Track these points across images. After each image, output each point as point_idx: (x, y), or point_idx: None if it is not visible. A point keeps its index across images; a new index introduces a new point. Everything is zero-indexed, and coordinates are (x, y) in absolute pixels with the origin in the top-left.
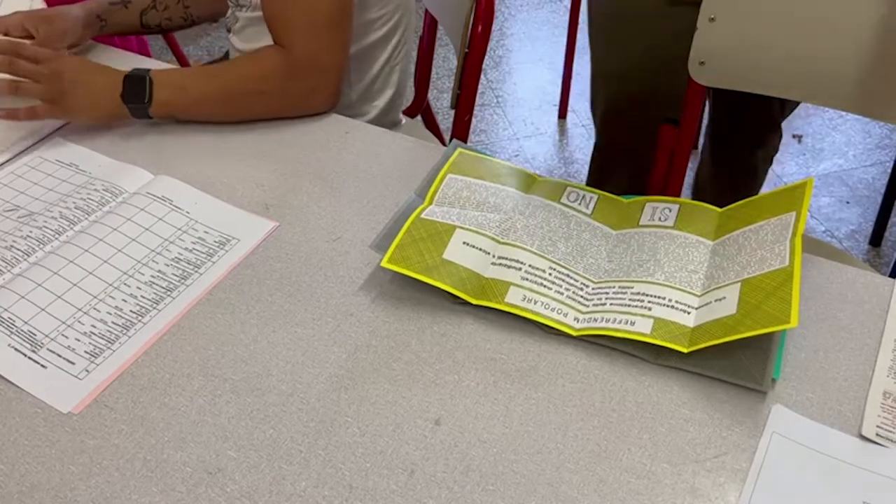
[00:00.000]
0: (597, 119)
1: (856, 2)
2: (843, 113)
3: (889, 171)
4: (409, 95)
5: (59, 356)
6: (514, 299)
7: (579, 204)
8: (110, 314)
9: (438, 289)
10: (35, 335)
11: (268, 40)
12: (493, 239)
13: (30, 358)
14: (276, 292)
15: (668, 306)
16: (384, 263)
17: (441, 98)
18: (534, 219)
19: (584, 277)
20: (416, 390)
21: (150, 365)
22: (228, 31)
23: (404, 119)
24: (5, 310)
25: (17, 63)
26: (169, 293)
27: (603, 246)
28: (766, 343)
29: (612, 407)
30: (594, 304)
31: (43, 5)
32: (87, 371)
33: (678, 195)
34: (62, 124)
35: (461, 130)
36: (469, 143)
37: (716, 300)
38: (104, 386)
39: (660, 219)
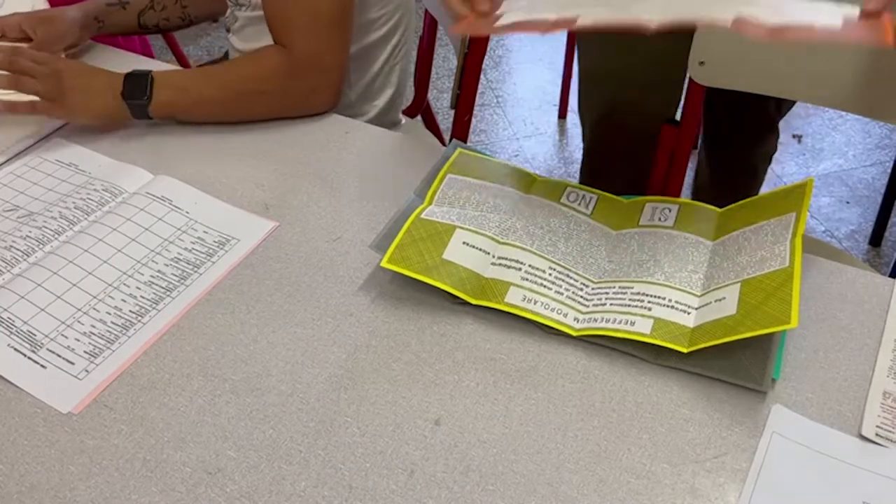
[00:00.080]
0: (588, 122)
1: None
2: (843, 113)
3: (889, 171)
4: (408, 95)
5: (59, 356)
6: (513, 299)
7: (579, 204)
8: (110, 314)
9: (438, 289)
10: (35, 335)
11: (267, 40)
12: (492, 239)
13: (29, 358)
14: (276, 292)
15: (667, 306)
16: (384, 263)
17: (441, 98)
18: (534, 219)
19: (584, 277)
20: (416, 390)
21: (150, 365)
22: (228, 30)
23: (404, 119)
24: (5, 310)
25: (17, 61)
26: (168, 293)
27: (603, 246)
28: (766, 343)
29: (612, 407)
30: (594, 305)
31: (45, 5)
32: (86, 371)
33: (678, 195)
34: (62, 124)
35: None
36: (469, 143)
37: (716, 300)
38: (104, 386)
39: (659, 219)
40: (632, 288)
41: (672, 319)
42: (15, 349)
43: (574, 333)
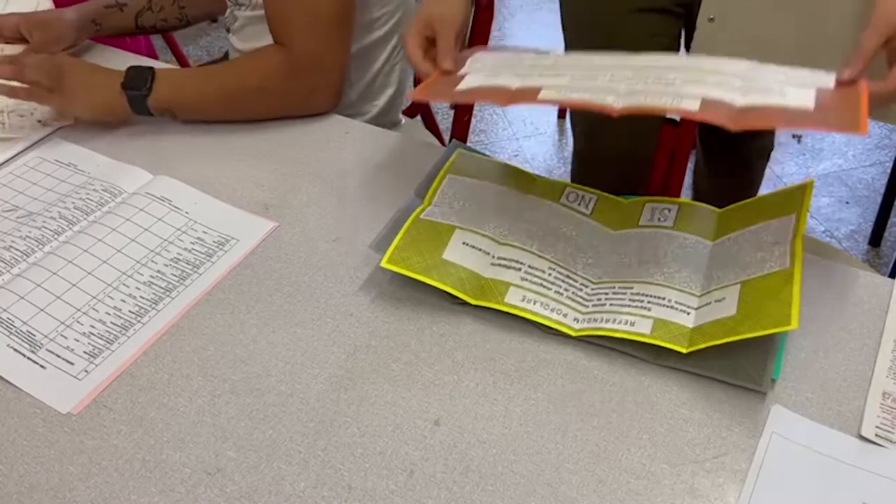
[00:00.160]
0: (578, 128)
1: (856, 2)
2: None
3: (889, 171)
4: None
5: (59, 356)
6: (513, 300)
7: (579, 204)
8: (109, 314)
9: (438, 289)
10: (34, 335)
11: (267, 39)
12: (492, 239)
13: (29, 358)
14: (276, 292)
15: (667, 307)
16: (384, 264)
17: None
18: (533, 219)
19: (584, 278)
20: (416, 391)
21: (150, 365)
22: (227, 30)
23: (404, 119)
24: (4, 310)
25: (18, 59)
26: (168, 293)
27: (602, 246)
28: (766, 343)
29: (612, 407)
30: (594, 305)
31: (50, 5)
32: (86, 371)
33: (678, 195)
34: (62, 124)
35: (461, 130)
36: (469, 143)
37: (715, 301)
38: (103, 386)
39: (659, 219)
40: (631, 288)
41: (672, 320)
42: (14, 349)
43: (574, 334)
